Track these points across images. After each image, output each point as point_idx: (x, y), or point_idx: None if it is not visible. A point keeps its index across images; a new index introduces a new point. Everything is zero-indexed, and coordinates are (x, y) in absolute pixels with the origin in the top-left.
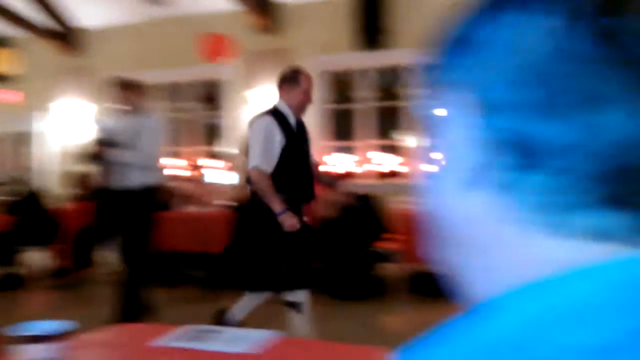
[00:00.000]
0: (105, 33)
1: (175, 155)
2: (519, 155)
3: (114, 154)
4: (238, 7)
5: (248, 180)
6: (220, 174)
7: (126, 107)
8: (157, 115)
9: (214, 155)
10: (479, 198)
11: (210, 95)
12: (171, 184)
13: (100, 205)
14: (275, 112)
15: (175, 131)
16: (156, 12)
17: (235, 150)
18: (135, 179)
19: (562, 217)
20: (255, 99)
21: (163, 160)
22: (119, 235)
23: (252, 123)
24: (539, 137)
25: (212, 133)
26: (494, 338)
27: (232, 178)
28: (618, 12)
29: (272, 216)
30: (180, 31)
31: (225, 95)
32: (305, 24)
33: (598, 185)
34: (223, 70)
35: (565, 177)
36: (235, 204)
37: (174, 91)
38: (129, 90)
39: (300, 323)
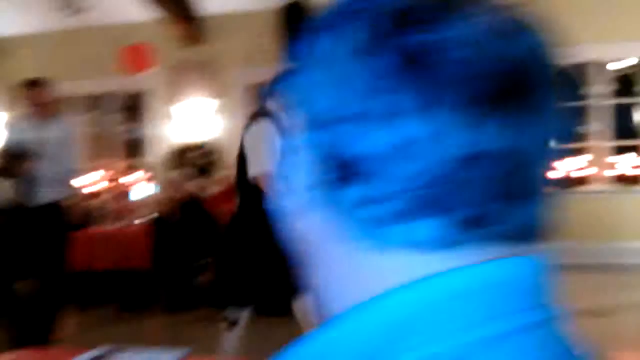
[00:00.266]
0: (19, 41)
1: (94, 169)
2: (338, 170)
3: (23, 166)
4: (161, 17)
5: (241, 187)
6: (140, 187)
7: (34, 111)
8: (69, 123)
9: (135, 168)
10: (316, 218)
11: (132, 107)
12: (88, 199)
13: (7, 223)
14: (270, 115)
15: (95, 144)
16: (75, 20)
17: (156, 161)
18: (46, 194)
19: (384, 230)
20: (179, 111)
21: (79, 174)
22: (29, 255)
23: (247, 128)
24: (353, 150)
25: (133, 146)
26: (327, 351)
27: (152, 189)
28: (415, 29)
29: (267, 227)
30: (101, 41)
31: (147, 107)
32: (230, 36)
33: (411, 196)
34: (145, 82)
35: (379, 189)
36: (156, 215)
37: (93, 103)
38: (35, 91)
39: (233, 340)
